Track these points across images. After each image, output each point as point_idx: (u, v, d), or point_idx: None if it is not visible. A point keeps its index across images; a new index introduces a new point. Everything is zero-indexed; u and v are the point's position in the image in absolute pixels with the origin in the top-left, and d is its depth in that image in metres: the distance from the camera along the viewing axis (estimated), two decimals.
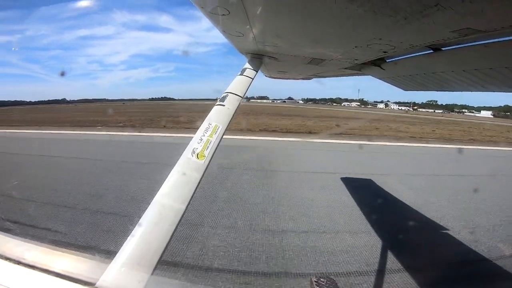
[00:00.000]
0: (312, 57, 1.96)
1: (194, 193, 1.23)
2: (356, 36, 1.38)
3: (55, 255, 0.94)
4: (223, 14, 1.21)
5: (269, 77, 3.47)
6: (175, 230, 1.08)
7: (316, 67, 2.25)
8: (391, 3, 0.94)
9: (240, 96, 1.67)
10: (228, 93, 1.63)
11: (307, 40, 1.62)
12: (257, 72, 1.85)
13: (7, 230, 1.10)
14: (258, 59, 1.92)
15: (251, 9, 1.14)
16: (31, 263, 0.87)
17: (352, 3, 0.94)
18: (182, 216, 1.14)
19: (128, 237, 0.98)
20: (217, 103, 1.59)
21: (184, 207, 1.16)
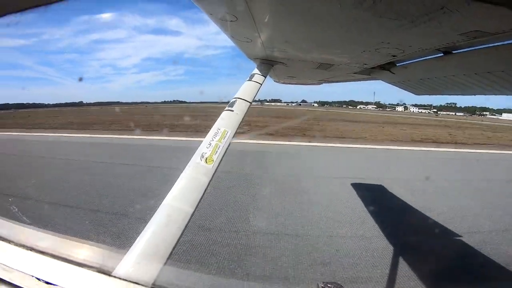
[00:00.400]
0: (320, 62, 1.96)
1: (202, 196, 1.25)
2: (364, 41, 1.38)
3: (76, 246, 0.99)
4: (231, 21, 1.24)
5: (278, 82, 3.48)
6: (182, 232, 1.10)
7: (325, 72, 2.25)
8: (396, 7, 0.94)
9: (249, 102, 1.69)
10: (237, 99, 1.66)
11: (315, 45, 1.63)
12: (265, 77, 1.87)
13: (34, 223, 1.18)
14: (266, 65, 1.94)
15: (258, 16, 1.17)
16: (53, 252, 0.93)
17: (357, 8, 0.94)
18: (190, 219, 1.16)
19: (137, 238, 1.02)
20: (226, 109, 1.61)
21: (192, 210, 1.18)
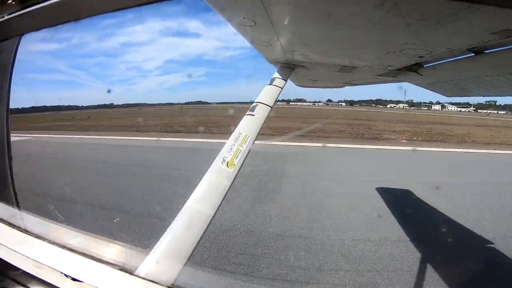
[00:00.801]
0: (342, 64, 1.93)
1: (223, 199, 1.27)
2: (387, 42, 1.34)
3: (103, 245, 1.06)
4: (250, 26, 1.25)
5: (300, 85, 3.44)
6: (203, 234, 1.13)
7: (348, 74, 2.21)
8: (420, 7, 0.91)
9: (270, 106, 1.69)
10: (258, 103, 1.66)
11: (335, 48, 1.60)
12: (286, 81, 1.86)
13: (71, 223, 1.27)
14: (287, 68, 1.93)
15: (277, 20, 1.17)
16: (81, 250, 1.00)
17: (378, 9, 0.92)
18: (211, 221, 1.18)
19: (160, 240, 1.05)
20: (247, 113, 1.62)
21: (213, 212, 1.20)
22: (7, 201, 1.67)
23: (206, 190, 1.27)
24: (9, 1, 0.83)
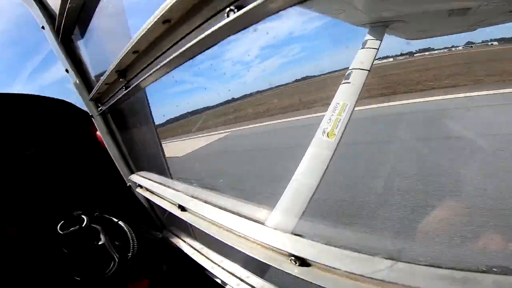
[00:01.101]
0: (449, 8, 1.58)
1: (326, 170, 1.34)
2: None
3: (239, 202, 1.26)
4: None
5: (410, 39, 2.86)
6: (308, 204, 1.23)
7: (465, 17, 1.76)
8: None
9: (367, 70, 1.60)
10: (353, 70, 1.60)
11: None
12: (381, 40, 1.70)
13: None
14: (379, 27, 1.73)
15: None
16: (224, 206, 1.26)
17: None
18: (315, 191, 1.27)
19: (280, 198, 1.23)
20: (342, 82, 1.58)
21: (316, 183, 1.29)
22: (165, 174, 2.24)
23: (309, 162, 1.37)
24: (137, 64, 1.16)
